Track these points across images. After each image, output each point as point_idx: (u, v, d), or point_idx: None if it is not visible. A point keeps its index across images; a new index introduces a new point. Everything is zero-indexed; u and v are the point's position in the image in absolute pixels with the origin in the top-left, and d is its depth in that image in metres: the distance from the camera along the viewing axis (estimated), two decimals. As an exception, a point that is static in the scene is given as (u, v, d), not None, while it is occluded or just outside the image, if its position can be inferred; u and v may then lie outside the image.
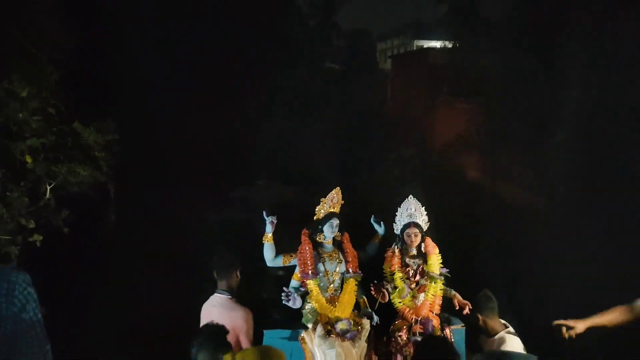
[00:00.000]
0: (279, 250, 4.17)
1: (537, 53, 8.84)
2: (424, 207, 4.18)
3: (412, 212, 4.12)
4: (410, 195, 4.19)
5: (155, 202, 6.73)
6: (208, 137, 9.01)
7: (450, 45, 12.36)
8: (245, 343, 3.83)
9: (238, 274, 4.00)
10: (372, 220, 4.42)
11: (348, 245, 4.21)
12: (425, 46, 14.07)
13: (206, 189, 8.82)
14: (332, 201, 4.16)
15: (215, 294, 4.00)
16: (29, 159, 4.49)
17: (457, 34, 11.90)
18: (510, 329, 3.75)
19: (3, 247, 4.60)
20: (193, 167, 8.25)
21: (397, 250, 4.14)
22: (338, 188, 4.24)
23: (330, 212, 4.13)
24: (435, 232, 4.14)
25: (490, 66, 9.43)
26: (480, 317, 3.76)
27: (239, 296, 4.10)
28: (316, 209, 4.17)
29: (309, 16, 16.96)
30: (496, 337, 3.68)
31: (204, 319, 3.85)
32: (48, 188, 4.96)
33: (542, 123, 8.62)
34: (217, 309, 3.85)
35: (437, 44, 13.65)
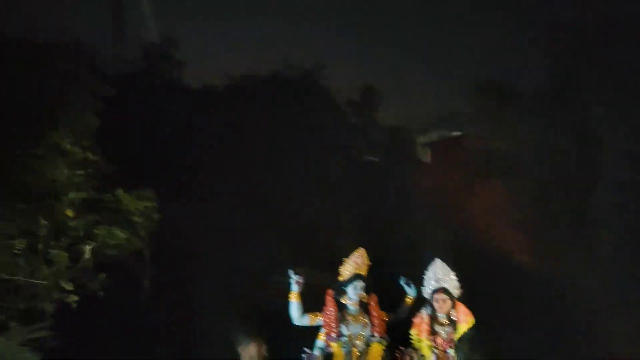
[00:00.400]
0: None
1: (573, 128, 8.82)
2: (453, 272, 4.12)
3: (440, 276, 4.06)
4: (437, 259, 4.13)
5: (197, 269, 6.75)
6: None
7: (486, 128, 12.43)
8: None
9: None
10: (401, 282, 4.35)
11: (375, 308, 4.16)
12: (461, 133, 14.19)
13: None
14: (356, 262, 4.15)
15: None
16: (70, 213, 4.72)
17: (492, 117, 12.03)
18: None
19: (40, 303, 4.72)
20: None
21: (426, 316, 4.06)
22: (362, 249, 4.24)
23: (355, 273, 4.10)
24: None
25: (525, 144, 9.41)
26: None
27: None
28: (340, 270, 4.18)
29: (350, 113, 17.54)
30: None
31: None
32: (88, 248, 5.15)
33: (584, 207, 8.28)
34: None
35: (472, 129, 13.77)
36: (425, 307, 4.14)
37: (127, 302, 5.70)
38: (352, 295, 4.09)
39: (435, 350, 3.98)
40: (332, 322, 4.02)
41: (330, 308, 4.10)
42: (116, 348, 5.48)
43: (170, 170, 6.83)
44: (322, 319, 4.11)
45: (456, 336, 4.01)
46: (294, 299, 4.11)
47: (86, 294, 5.39)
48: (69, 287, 5.18)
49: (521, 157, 9.66)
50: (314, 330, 4.30)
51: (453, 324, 4.03)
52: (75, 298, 5.16)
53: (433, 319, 4.06)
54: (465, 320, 4.05)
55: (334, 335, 3.98)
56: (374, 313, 4.15)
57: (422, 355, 4.00)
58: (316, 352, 4.14)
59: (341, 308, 4.14)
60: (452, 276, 4.09)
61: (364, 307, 4.19)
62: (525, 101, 9.99)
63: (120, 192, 5.44)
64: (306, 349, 4.05)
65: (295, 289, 4.10)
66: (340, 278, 4.20)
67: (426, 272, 4.18)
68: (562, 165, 8.84)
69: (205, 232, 6.49)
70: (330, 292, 4.19)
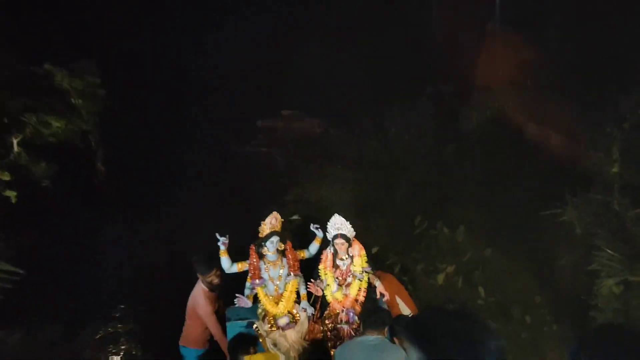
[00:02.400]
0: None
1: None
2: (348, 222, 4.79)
3: (339, 225, 4.71)
4: (336, 214, 4.80)
5: (156, 148, 5.84)
6: (219, 66, 7.88)
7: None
8: (203, 317, 4.91)
9: (216, 273, 4.91)
10: (311, 227, 5.03)
11: (290, 252, 4.89)
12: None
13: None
14: (271, 223, 4.76)
15: (199, 282, 5.00)
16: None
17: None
18: None
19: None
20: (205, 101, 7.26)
21: (329, 254, 4.86)
22: (275, 212, 4.86)
23: (272, 231, 4.72)
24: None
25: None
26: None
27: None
28: (259, 228, 4.76)
29: None
30: None
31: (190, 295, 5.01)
32: (14, 141, 4.09)
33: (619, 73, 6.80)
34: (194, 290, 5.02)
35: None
36: (329, 247, 4.86)
37: (79, 190, 4.87)
38: (271, 248, 4.74)
39: (337, 280, 4.80)
40: (255, 270, 4.77)
41: (253, 259, 4.80)
42: (67, 239, 4.82)
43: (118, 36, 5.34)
44: (247, 267, 4.83)
45: (354, 268, 4.76)
46: (222, 255, 4.78)
47: (31, 185, 4.47)
48: (4, 176, 4.24)
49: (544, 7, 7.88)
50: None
51: (351, 258, 4.80)
52: (12, 193, 4.26)
53: (335, 256, 4.83)
54: (359, 254, 4.78)
55: (257, 280, 4.74)
56: (290, 256, 4.87)
57: (328, 284, 4.78)
58: (247, 292, 4.86)
59: (262, 257, 4.81)
60: (348, 225, 4.73)
61: (281, 253, 4.88)
62: None
63: (49, 66, 4.13)
64: (237, 294, 4.72)
65: (222, 248, 4.76)
66: (260, 235, 4.77)
67: (328, 223, 4.80)
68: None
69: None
70: (252, 246, 4.83)
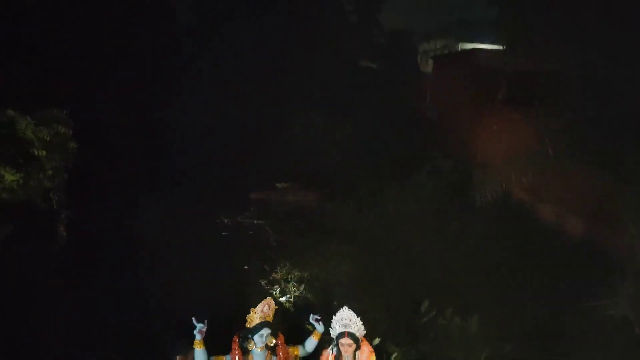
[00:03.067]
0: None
1: (611, 54, 6.71)
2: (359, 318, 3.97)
3: (347, 322, 3.90)
4: (345, 307, 3.99)
5: (134, 216, 5.05)
6: (211, 133, 7.38)
7: (501, 48, 10.29)
8: None
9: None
10: (310, 319, 4.11)
11: (282, 349, 3.99)
12: (471, 47, 11.95)
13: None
14: (262, 311, 3.90)
15: None
16: None
17: (511, 36, 9.77)
18: None
19: None
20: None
21: (331, 356, 3.97)
22: (269, 298, 4.03)
23: (262, 321, 3.87)
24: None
25: (553, 71, 7.35)
26: None
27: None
28: (247, 317, 3.91)
29: (350, 12, 14.94)
30: None
31: None
32: (-43, 196, 3.34)
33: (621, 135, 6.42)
34: None
35: (485, 46, 11.54)
36: (332, 346, 3.98)
37: (34, 256, 4.04)
38: (259, 343, 3.88)
39: None
40: None
41: (235, 355, 3.90)
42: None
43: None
44: None
45: None
46: (197, 347, 3.82)
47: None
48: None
49: (546, 85, 7.62)
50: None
51: None
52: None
53: (338, 358, 3.95)
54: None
55: None
56: (281, 354, 4.00)
57: None
58: None
59: (246, 353, 3.94)
60: (358, 322, 3.93)
61: (271, 349, 4.00)
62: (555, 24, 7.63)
63: (11, 112, 3.48)
64: None
65: (198, 337, 3.80)
66: (247, 325, 3.92)
67: (334, 317, 3.97)
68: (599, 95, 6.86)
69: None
70: (235, 338, 3.95)
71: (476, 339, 5.43)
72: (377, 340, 5.60)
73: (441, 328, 5.73)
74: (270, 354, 3.98)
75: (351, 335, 3.83)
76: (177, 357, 4.16)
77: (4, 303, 3.96)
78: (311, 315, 4.11)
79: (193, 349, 3.84)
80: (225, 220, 9.07)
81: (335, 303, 6.86)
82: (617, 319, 4.76)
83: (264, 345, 3.89)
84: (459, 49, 13.10)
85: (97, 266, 4.75)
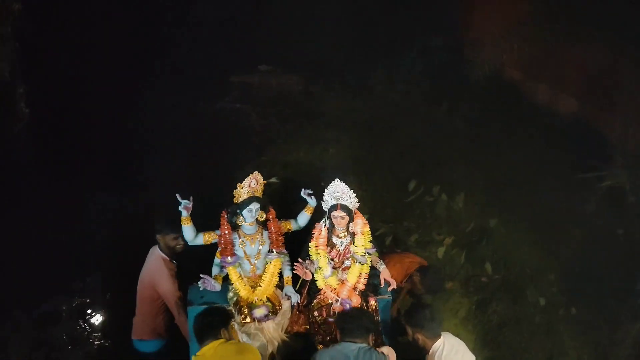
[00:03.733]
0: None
1: None
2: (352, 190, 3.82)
3: (339, 194, 3.75)
4: (337, 179, 3.84)
5: (106, 94, 4.56)
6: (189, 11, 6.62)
7: None
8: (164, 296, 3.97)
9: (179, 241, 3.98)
10: (302, 193, 3.91)
11: (273, 224, 3.89)
12: None
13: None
14: (249, 186, 3.71)
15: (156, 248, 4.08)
16: None
17: None
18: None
19: None
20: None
21: (324, 228, 3.87)
22: (256, 172, 3.82)
23: (250, 196, 3.70)
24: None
25: None
26: (411, 331, 3.63)
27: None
28: (234, 192, 3.73)
29: None
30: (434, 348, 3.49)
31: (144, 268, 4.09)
32: None
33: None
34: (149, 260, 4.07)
35: None
36: (324, 220, 3.87)
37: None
38: (248, 218, 3.75)
39: (332, 262, 3.87)
40: (227, 244, 3.78)
41: (225, 230, 3.79)
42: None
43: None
44: (217, 239, 3.83)
45: (355, 248, 3.82)
46: (184, 223, 3.70)
47: None
48: None
49: None
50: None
51: (351, 236, 3.86)
52: None
53: (330, 232, 3.86)
54: (362, 232, 3.84)
55: (228, 258, 3.75)
56: (272, 229, 3.89)
57: (320, 267, 3.83)
58: (215, 270, 3.93)
59: (236, 229, 3.83)
60: (351, 194, 3.77)
61: (262, 224, 3.90)
62: None
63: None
64: (202, 275, 3.77)
65: (184, 214, 3.66)
66: (235, 200, 3.73)
67: (326, 190, 3.83)
68: None
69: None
70: (224, 213, 3.81)
71: (462, 214, 5.44)
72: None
73: (427, 205, 5.71)
74: (262, 228, 3.89)
75: (344, 207, 3.70)
76: (157, 236, 4.04)
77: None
78: (303, 189, 3.91)
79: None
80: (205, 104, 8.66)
81: (322, 184, 6.80)
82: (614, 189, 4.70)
83: (254, 220, 3.78)
84: None
85: (68, 148, 4.41)
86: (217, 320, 3.16)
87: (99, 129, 4.96)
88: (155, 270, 3.96)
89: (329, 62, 9.26)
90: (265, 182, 3.89)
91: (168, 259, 4.01)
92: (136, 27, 6.93)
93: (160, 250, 4.04)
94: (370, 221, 5.71)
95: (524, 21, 7.48)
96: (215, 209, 3.91)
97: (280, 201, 5.39)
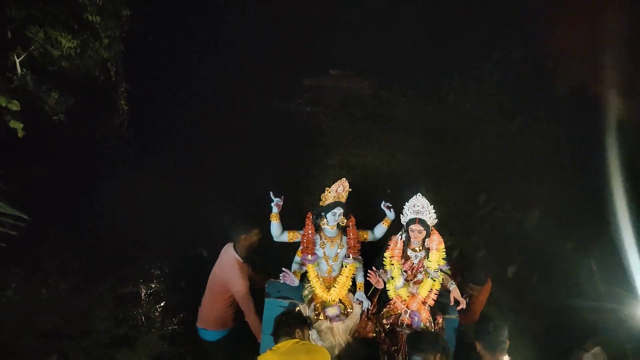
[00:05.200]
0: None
1: None
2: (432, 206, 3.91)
3: (419, 208, 3.83)
4: (419, 194, 3.91)
5: (191, 91, 4.88)
6: (268, 15, 6.85)
7: None
8: (236, 295, 4.13)
9: (258, 233, 4.18)
10: (382, 206, 4.10)
11: (352, 230, 4.07)
12: None
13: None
14: (336, 191, 3.94)
15: (231, 247, 4.24)
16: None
17: None
18: None
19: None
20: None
21: (400, 241, 3.95)
22: (344, 179, 4.04)
23: (336, 201, 3.93)
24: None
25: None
26: (479, 345, 3.55)
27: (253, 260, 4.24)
28: (322, 195, 3.98)
29: None
30: None
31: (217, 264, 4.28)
32: (17, 61, 3.23)
33: None
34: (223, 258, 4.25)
35: None
36: (402, 232, 3.95)
37: (96, 129, 4.02)
38: (331, 221, 3.96)
39: (405, 274, 3.94)
40: (309, 243, 3.99)
41: (309, 230, 4.01)
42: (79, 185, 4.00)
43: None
44: (299, 238, 4.05)
45: (429, 264, 3.88)
46: (273, 220, 3.95)
47: (41, 118, 3.65)
48: (13, 106, 3.41)
49: None
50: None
51: (426, 251, 3.93)
52: (19, 125, 3.44)
53: (406, 244, 3.94)
54: (437, 248, 3.89)
55: (309, 256, 3.97)
56: (351, 235, 4.07)
57: (392, 277, 3.91)
58: (295, 267, 4.15)
59: (319, 230, 4.05)
60: (431, 210, 3.87)
61: (342, 229, 4.10)
62: None
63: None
64: (283, 269, 3.99)
65: (275, 210, 3.91)
66: (321, 204, 3.98)
67: (406, 203, 3.91)
68: None
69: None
70: (309, 215, 4.05)
71: (534, 233, 5.26)
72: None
73: (498, 220, 5.56)
74: (341, 233, 4.07)
75: (422, 222, 3.78)
76: (236, 238, 4.22)
77: (72, 179, 4.06)
78: (383, 202, 4.08)
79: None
80: (278, 105, 8.89)
81: (388, 192, 6.77)
82: None
83: (336, 223, 3.96)
84: None
85: (157, 143, 4.76)
86: (294, 320, 3.37)
87: (185, 128, 5.28)
88: (229, 270, 4.14)
89: (401, 67, 9.22)
90: (350, 189, 4.03)
91: (241, 260, 4.18)
92: (217, 32, 7.27)
93: (235, 251, 4.21)
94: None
95: (611, 38, 7.07)
96: (283, 208, 4.06)
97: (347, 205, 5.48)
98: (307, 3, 9.71)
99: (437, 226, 5.81)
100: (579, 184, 5.86)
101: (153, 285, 5.13)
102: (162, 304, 5.03)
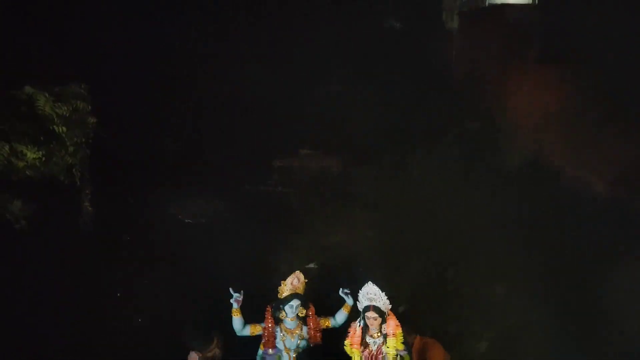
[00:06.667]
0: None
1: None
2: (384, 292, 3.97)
3: (372, 296, 3.90)
4: (370, 282, 3.98)
5: (157, 188, 5.00)
6: (234, 100, 7.20)
7: (531, 2, 9.72)
8: None
9: (218, 344, 4.00)
10: (340, 292, 4.23)
11: (312, 320, 4.14)
12: (500, 2, 11.24)
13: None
14: (292, 284, 4.04)
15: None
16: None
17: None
18: None
19: None
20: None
21: (358, 328, 4.01)
22: (298, 271, 4.15)
23: (293, 293, 4.02)
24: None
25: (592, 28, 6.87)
26: None
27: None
28: (278, 289, 4.06)
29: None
30: None
31: None
32: (-20, 174, 3.35)
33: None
34: None
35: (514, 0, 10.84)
36: (360, 319, 4.01)
37: (60, 233, 4.06)
38: (290, 313, 4.05)
39: None
40: (270, 337, 4.07)
41: (269, 324, 4.09)
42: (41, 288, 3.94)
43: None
44: (261, 331, 4.13)
45: (387, 350, 3.93)
46: (235, 315, 4.04)
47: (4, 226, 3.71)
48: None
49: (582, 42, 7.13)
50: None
51: (384, 337, 3.96)
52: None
53: (364, 331, 3.99)
54: (394, 333, 3.93)
55: (270, 350, 4.05)
56: (311, 325, 4.15)
57: None
58: None
59: (279, 322, 4.12)
60: (383, 296, 3.92)
61: (302, 319, 4.16)
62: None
63: (30, 89, 3.44)
64: None
65: (235, 306, 4.01)
66: (279, 296, 4.07)
67: (360, 291, 3.98)
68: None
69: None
70: (268, 308, 4.13)
71: (503, 306, 5.35)
72: (402, 308, 5.58)
73: (468, 295, 5.65)
74: (302, 323, 4.13)
75: (376, 309, 3.85)
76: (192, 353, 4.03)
77: (33, 281, 4.01)
78: (341, 289, 4.19)
79: (212, 340, 3.88)
80: (249, 188, 9.06)
81: (361, 269, 6.84)
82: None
83: (295, 315, 4.04)
84: (487, 3, 12.36)
85: (122, 244, 4.79)
86: None
87: (152, 225, 5.34)
88: None
89: (367, 145, 9.63)
90: (305, 281, 4.12)
91: None
92: (185, 118, 7.57)
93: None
94: (407, 311, 5.73)
95: (560, 109, 7.64)
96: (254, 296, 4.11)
97: (319, 287, 5.50)
98: (273, 88, 10.24)
99: (409, 303, 5.89)
100: (543, 255, 6.06)
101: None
102: None
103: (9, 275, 3.81)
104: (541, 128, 7.90)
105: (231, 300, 3.93)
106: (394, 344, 3.88)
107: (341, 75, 11.85)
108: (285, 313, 4.02)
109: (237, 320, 3.99)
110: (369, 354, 3.95)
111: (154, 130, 5.65)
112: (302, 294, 4.06)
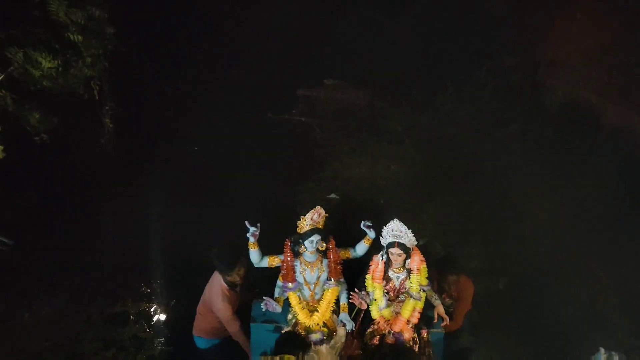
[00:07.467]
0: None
1: None
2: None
3: (398, 233, 3.81)
4: (396, 219, 3.86)
5: (179, 106, 4.83)
6: (259, 26, 6.81)
7: None
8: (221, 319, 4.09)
9: (239, 272, 4.05)
10: (362, 225, 4.04)
11: (332, 253, 4.04)
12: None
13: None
14: (312, 219, 3.92)
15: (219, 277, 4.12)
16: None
17: None
18: None
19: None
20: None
21: (381, 262, 3.96)
22: (319, 207, 3.99)
23: (312, 228, 3.91)
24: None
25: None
26: None
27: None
28: (298, 223, 3.95)
29: None
30: None
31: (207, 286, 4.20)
32: (-3, 79, 3.21)
33: None
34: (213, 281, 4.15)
35: None
36: (382, 254, 3.94)
37: (81, 149, 3.97)
38: (309, 247, 3.94)
39: (387, 295, 3.96)
40: (289, 270, 3.98)
41: (288, 257, 4.01)
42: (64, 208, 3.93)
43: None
44: (280, 262, 4.04)
45: (411, 285, 3.89)
46: (252, 248, 3.94)
47: (23, 139, 3.63)
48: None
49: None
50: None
51: (408, 272, 3.92)
52: (-1, 147, 3.41)
53: (387, 266, 3.95)
54: (418, 269, 3.87)
55: (289, 284, 3.97)
56: (332, 258, 4.04)
57: (375, 299, 3.94)
58: (277, 292, 4.17)
59: (298, 256, 4.04)
60: (409, 233, 3.81)
61: (322, 252, 4.06)
62: None
63: (43, -8, 3.22)
64: (264, 297, 3.90)
65: (252, 240, 3.88)
66: (298, 231, 3.95)
67: (384, 227, 3.88)
68: None
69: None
70: (287, 242, 4.03)
71: (528, 243, 5.21)
72: (423, 241, 5.50)
73: (492, 231, 5.52)
74: (321, 256, 4.05)
75: (401, 246, 3.77)
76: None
77: (56, 200, 4.00)
78: (362, 221, 4.02)
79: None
80: (271, 117, 8.86)
81: (382, 201, 6.72)
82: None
83: (314, 249, 3.95)
84: None
85: (145, 162, 4.71)
86: (297, 345, 3.62)
87: (175, 146, 5.24)
88: (215, 295, 4.10)
89: (395, 77, 9.20)
90: (326, 215, 3.99)
91: (227, 287, 4.12)
92: (208, 40, 7.24)
93: (223, 279, 4.14)
94: (429, 244, 5.66)
95: (605, 47, 7.06)
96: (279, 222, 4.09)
97: (339, 217, 5.42)
98: (301, 14, 9.74)
99: (430, 238, 5.80)
100: (573, 194, 5.83)
101: (142, 305, 5.07)
102: (151, 324, 4.97)
103: (31, 190, 3.80)
104: (585, 65, 7.37)
105: (248, 235, 3.84)
106: (417, 279, 3.84)
107: (371, 5, 11.19)
108: (305, 247, 3.94)
109: (254, 252, 3.94)
110: (392, 289, 3.93)
111: (177, 48, 5.38)
112: (322, 228, 3.97)
